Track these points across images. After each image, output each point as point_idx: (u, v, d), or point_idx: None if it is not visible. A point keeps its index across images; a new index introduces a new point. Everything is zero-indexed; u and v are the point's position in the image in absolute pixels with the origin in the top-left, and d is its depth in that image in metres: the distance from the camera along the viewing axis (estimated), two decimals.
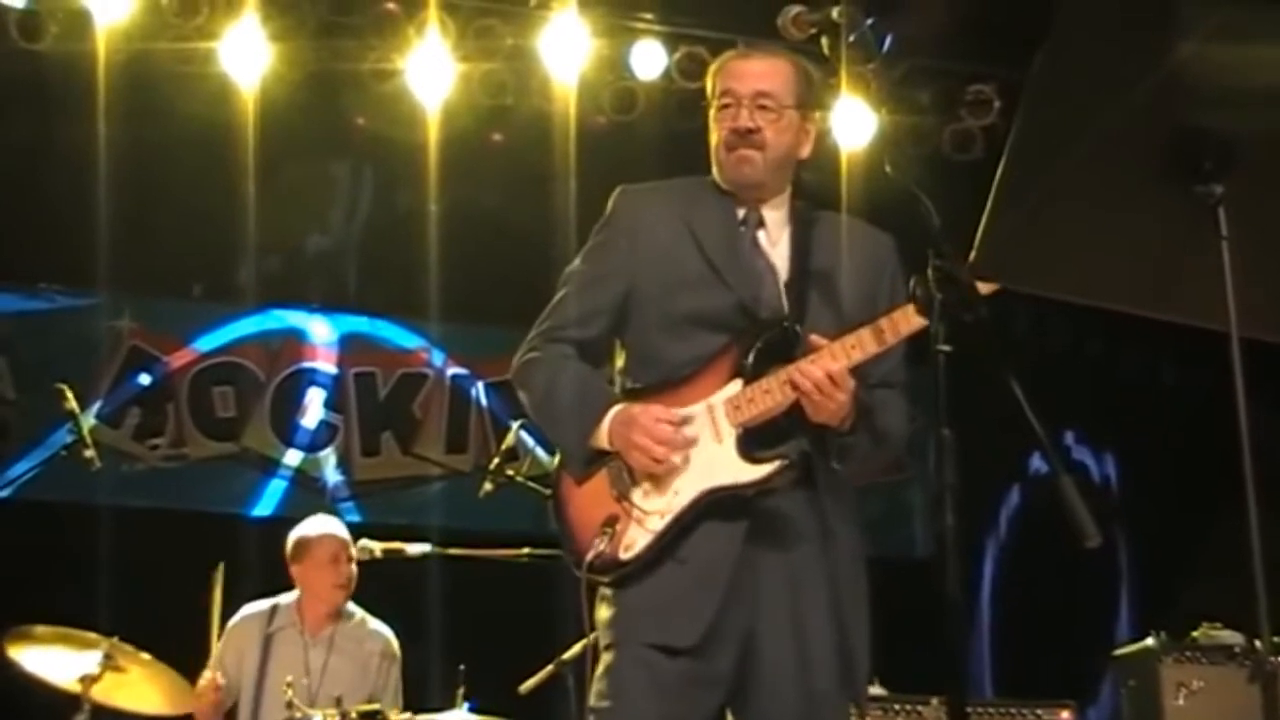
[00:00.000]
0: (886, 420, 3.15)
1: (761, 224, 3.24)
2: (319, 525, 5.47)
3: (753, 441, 3.08)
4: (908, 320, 2.95)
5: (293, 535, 5.45)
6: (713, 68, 3.31)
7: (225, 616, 5.29)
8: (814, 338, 3.03)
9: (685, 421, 3.08)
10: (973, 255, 2.49)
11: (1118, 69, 2.32)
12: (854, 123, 6.43)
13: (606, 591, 3.13)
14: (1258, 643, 4.76)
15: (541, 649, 4.86)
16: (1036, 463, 7.57)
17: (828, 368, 2.98)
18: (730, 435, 3.09)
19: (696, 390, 3.14)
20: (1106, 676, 5.97)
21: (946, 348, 2.56)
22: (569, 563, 3.16)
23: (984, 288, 2.81)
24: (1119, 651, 5.49)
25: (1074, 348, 7.31)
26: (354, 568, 5.33)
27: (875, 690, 5.13)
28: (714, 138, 3.24)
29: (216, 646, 5.27)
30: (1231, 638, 4.99)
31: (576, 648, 4.73)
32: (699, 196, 3.28)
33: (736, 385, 3.10)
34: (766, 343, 3.11)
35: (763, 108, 3.18)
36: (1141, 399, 7.22)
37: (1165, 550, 6.92)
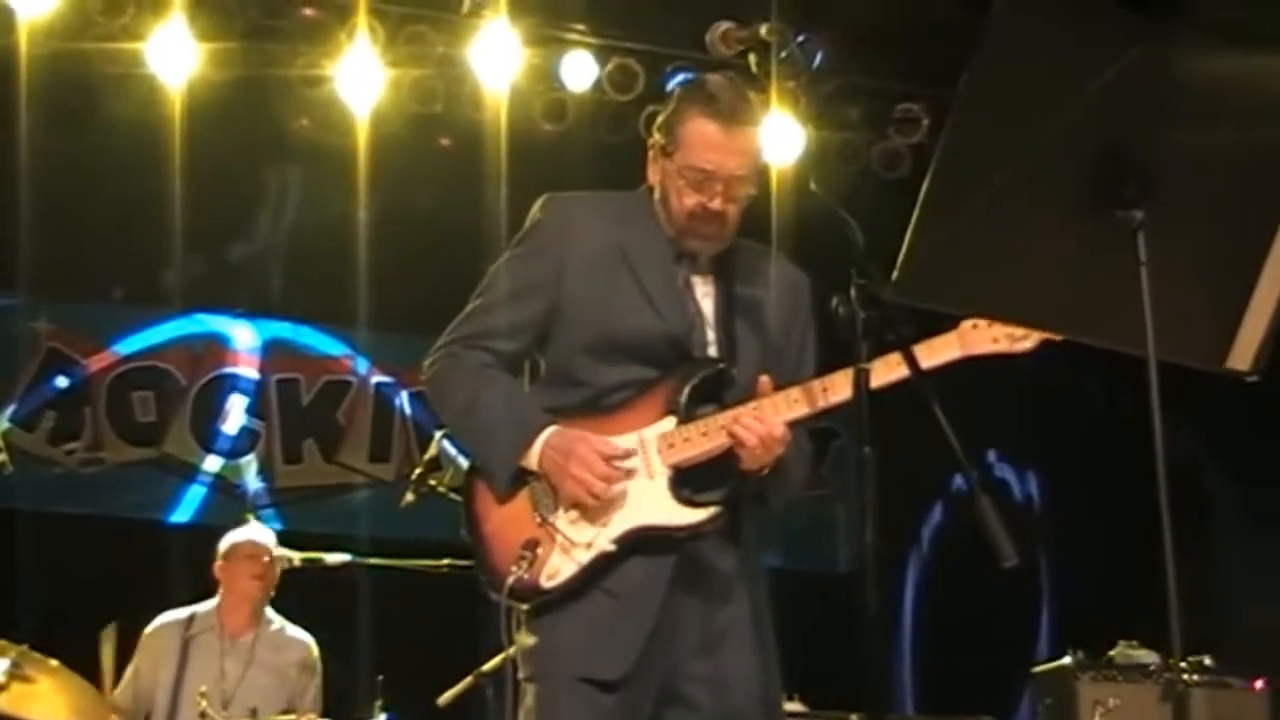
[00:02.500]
0: (794, 465, 3.12)
1: (695, 264, 3.17)
2: (245, 530, 5.50)
3: (684, 483, 3.04)
4: (839, 388, 2.93)
5: (225, 539, 5.47)
6: (683, 111, 3.11)
7: (117, 676, 5.16)
8: (763, 381, 2.99)
9: (624, 455, 3.02)
10: (895, 274, 2.50)
11: (1045, 91, 2.34)
12: (782, 139, 6.48)
13: (525, 617, 3.06)
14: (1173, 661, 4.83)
15: (461, 661, 4.83)
16: (959, 480, 7.59)
17: (771, 425, 2.95)
18: (662, 474, 3.03)
19: (625, 421, 3.06)
20: (1025, 693, 6.01)
21: (869, 366, 2.58)
22: (482, 583, 3.08)
23: (1023, 344, 2.86)
24: (1037, 669, 5.54)
25: (997, 365, 7.36)
26: (275, 568, 5.30)
27: (794, 706, 5.14)
28: (675, 191, 3.10)
29: (129, 667, 5.23)
30: (1147, 656, 5.05)
31: (496, 660, 4.70)
32: (633, 218, 3.18)
33: (670, 423, 3.05)
34: (702, 381, 3.07)
35: (738, 179, 3.08)
36: (1065, 417, 7.28)
37: (1086, 568, 6.99)
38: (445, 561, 4.83)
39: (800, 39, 2.83)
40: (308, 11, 6.39)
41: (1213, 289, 2.47)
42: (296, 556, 5.04)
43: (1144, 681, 4.99)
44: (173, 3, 6.20)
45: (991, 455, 7.58)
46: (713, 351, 3.13)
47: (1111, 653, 5.10)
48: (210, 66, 6.38)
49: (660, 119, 3.19)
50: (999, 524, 2.35)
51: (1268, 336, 2.47)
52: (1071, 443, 7.30)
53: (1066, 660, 5.12)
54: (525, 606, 3.04)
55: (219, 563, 5.42)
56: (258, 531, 5.49)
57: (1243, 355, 2.48)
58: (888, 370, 2.75)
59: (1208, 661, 4.61)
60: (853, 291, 2.53)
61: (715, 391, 3.08)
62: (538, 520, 3.05)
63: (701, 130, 3.07)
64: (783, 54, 2.94)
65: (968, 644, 6.89)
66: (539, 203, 3.22)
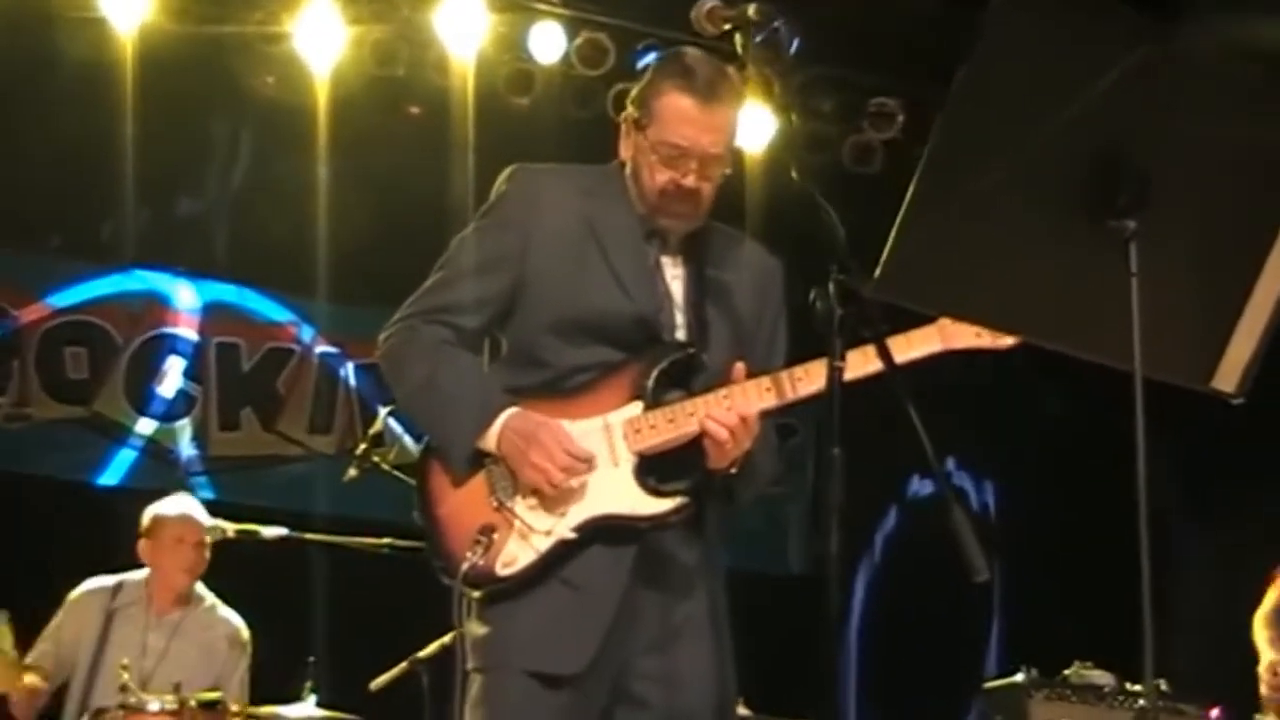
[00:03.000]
0: (762, 459, 3.08)
1: (664, 241, 3.13)
2: (175, 505, 5.35)
3: (650, 471, 3.00)
4: (813, 378, 2.91)
5: (149, 510, 5.33)
6: (658, 84, 3.07)
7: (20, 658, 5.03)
8: (738, 368, 2.95)
9: (588, 458, 2.97)
10: (878, 271, 2.47)
11: (1040, 91, 2.32)
12: (754, 125, 6.46)
13: (477, 605, 3.01)
14: (1128, 684, 4.85)
15: (397, 645, 4.79)
16: (916, 485, 7.64)
17: (743, 413, 2.92)
18: (628, 461, 2.99)
19: (590, 404, 3.03)
20: (973, 708, 6.03)
21: (843, 364, 2.55)
22: (435, 567, 3.03)
23: (1005, 340, 2.84)
24: (989, 684, 5.54)
25: (960, 370, 7.38)
26: (205, 553, 5.22)
27: (741, 711, 5.13)
28: (647, 167, 3.06)
29: (54, 619, 5.15)
30: (1102, 678, 5.05)
31: (433, 646, 4.67)
32: (603, 193, 3.13)
33: (636, 408, 3.01)
34: (670, 365, 3.03)
35: (713, 157, 3.04)
36: (1025, 426, 7.31)
37: (1042, 583, 7.02)
38: (386, 541, 4.80)
39: (777, 24, 2.79)
40: None
41: (1202, 306, 2.47)
42: (231, 528, 4.98)
43: (1098, 704, 4.99)
44: None
45: (950, 463, 7.60)
46: (681, 335, 3.09)
47: (1066, 672, 5.10)
48: (164, 13, 6.28)
49: (634, 92, 3.14)
50: (972, 535, 2.33)
51: (1255, 358, 2.46)
52: (1030, 453, 7.33)
53: (1019, 677, 5.12)
54: (478, 594, 2.98)
55: (143, 540, 5.28)
56: (187, 509, 5.32)
57: (1229, 376, 2.47)
58: (864, 362, 2.70)
59: (1164, 687, 4.63)
60: (831, 286, 2.49)
61: (684, 377, 3.04)
62: (495, 504, 2.99)
63: (677, 104, 3.03)
64: (758, 37, 2.90)
65: (915, 654, 6.91)
66: (505, 174, 3.16)
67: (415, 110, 6.76)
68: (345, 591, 5.64)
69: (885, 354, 2.59)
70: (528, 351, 3.10)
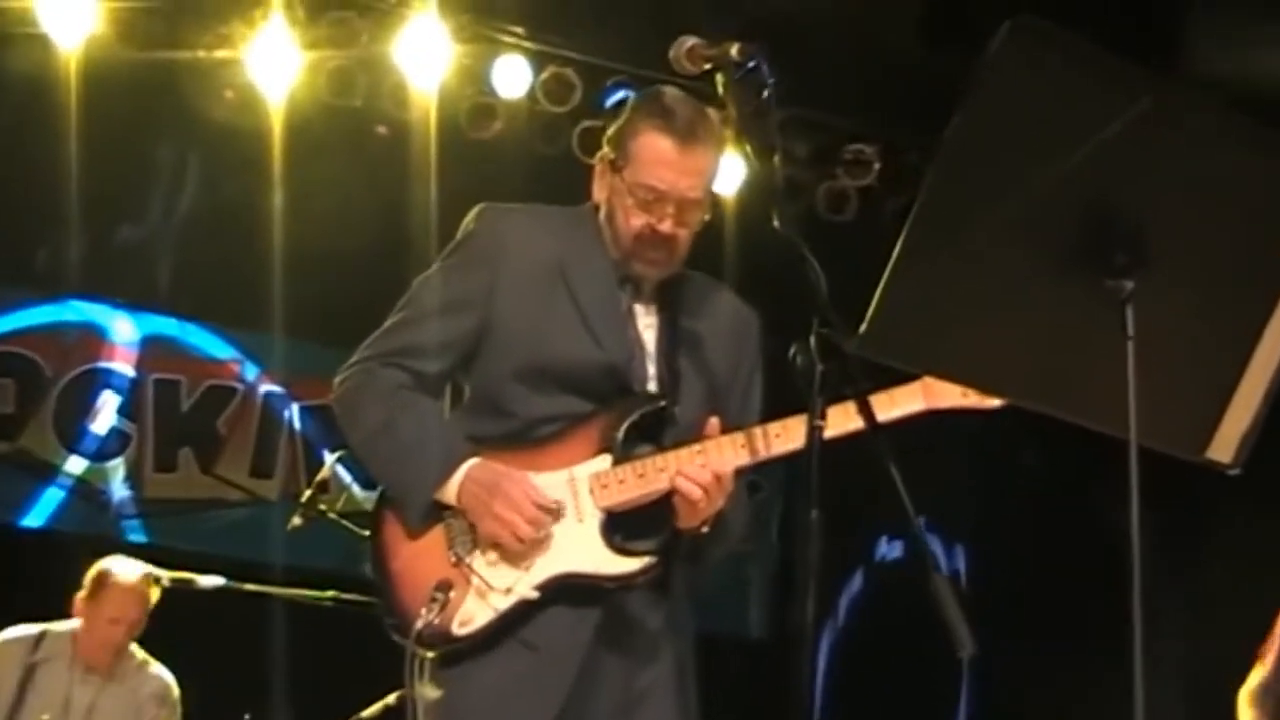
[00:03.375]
0: (734, 517, 3.07)
1: (638, 288, 3.12)
2: (125, 574, 5.22)
3: (616, 528, 2.97)
4: (791, 435, 2.89)
5: (97, 567, 5.24)
6: (635, 124, 3.06)
7: None
8: (712, 423, 2.93)
9: (555, 505, 2.95)
10: (863, 327, 2.46)
11: (1036, 144, 2.31)
12: (730, 169, 6.46)
13: (432, 666, 2.96)
14: None
15: (339, 705, 4.73)
16: (884, 548, 7.64)
17: (717, 470, 2.89)
18: (594, 517, 2.97)
19: (555, 456, 3.00)
20: None
21: (823, 423, 2.53)
22: (387, 625, 2.98)
23: (991, 401, 2.83)
24: None
25: (933, 429, 7.39)
26: (140, 627, 5.14)
27: None
28: (622, 210, 3.04)
29: None
30: None
31: (376, 707, 4.62)
32: (575, 236, 3.12)
33: (604, 461, 2.98)
34: (641, 418, 3.01)
35: (691, 200, 3.02)
36: (998, 489, 7.32)
37: (1011, 650, 7.01)
38: (330, 593, 4.74)
39: (753, 63, 2.78)
40: None
41: (1198, 373, 2.46)
42: (165, 576, 4.91)
43: None
44: None
45: (920, 524, 7.61)
46: (652, 386, 3.07)
47: None
48: (110, 31, 6.22)
49: (610, 131, 3.13)
50: (956, 608, 2.31)
51: (1252, 429, 2.46)
52: (1004, 517, 7.33)
53: None
54: (432, 655, 2.93)
55: (82, 596, 5.20)
56: (135, 583, 5.20)
57: (1225, 447, 2.46)
58: (844, 419, 2.66)
59: None
60: (812, 340, 2.48)
61: (654, 430, 3.02)
62: (452, 560, 2.96)
63: (655, 146, 3.01)
64: (735, 76, 2.89)
65: None
66: (474, 212, 3.14)
67: (382, 130, 6.71)
68: (285, 646, 5.58)
69: (867, 412, 2.58)
70: (491, 399, 3.07)
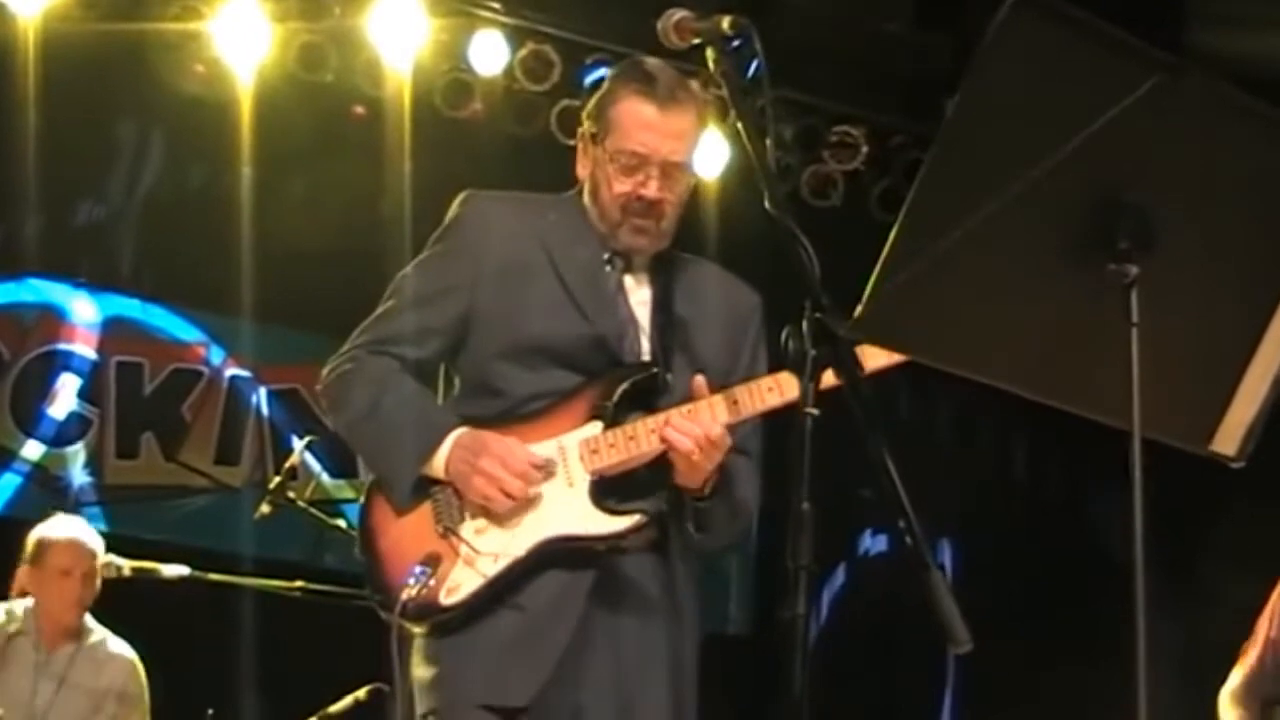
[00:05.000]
0: (743, 491, 3.10)
1: (629, 267, 3.16)
2: (63, 528, 5.22)
3: (607, 492, 3.00)
4: (786, 388, 2.90)
5: (34, 533, 5.21)
6: (615, 93, 3.13)
7: None
8: (698, 381, 2.95)
9: (544, 465, 2.98)
10: (858, 311, 2.44)
11: (1038, 125, 2.29)
12: (709, 151, 6.44)
13: (422, 643, 3.00)
14: None
15: (307, 697, 4.70)
16: (867, 541, 7.64)
17: (707, 426, 2.91)
18: (583, 481, 2.99)
19: (546, 428, 3.04)
20: None
21: (815, 411, 2.51)
22: (375, 603, 3.01)
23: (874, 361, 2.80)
24: None
25: (920, 422, 7.40)
26: (96, 583, 5.09)
27: None
28: (606, 180, 3.09)
29: None
30: None
31: (346, 701, 4.59)
32: (561, 219, 3.18)
33: (595, 428, 3.01)
34: (633, 386, 3.04)
35: (675, 165, 3.07)
36: (986, 484, 7.33)
37: (996, 647, 7.03)
38: (298, 584, 4.72)
39: (741, 39, 2.77)
40: None
41: (1203, 362, 2.45)
42: (126, 565, 4.88)
43: None
44: None
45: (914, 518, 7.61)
46: (645, 353, 3.11)
47: None
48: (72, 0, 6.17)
49: (590, 104, 3.19)
50: (952, 603, 2.29)
51: (1257, 422, 2.45)
52: (991, 515, 7.35)
53: None
54: (420, 629, 2.98)
55: (25, 568, 5.17)
56: (76, 533, 5.20)
57: (1229, 439, 2.45)
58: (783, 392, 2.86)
59: None
60: (805, 326, 2.46)
61: (647, 398, 3.05)
62: (441, 532, 2.98)
63: (636, 110, 3.07)
64: (725, 51, 2.86)
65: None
66: (459, 199, 3.20)
67: (360, 110, 6.66)
68: (250, 638, 5.55)
69: (856, 395, 2.54)
70: (481, 381, 3.12)
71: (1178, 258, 2.35)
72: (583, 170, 3.18)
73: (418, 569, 2.90)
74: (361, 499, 3.13)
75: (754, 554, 7.43)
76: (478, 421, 3.06)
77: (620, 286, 3.14)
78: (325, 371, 3.16)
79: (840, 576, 7.75)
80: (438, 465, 3.00)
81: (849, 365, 2.48)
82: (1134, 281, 2.32)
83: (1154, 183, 2.32)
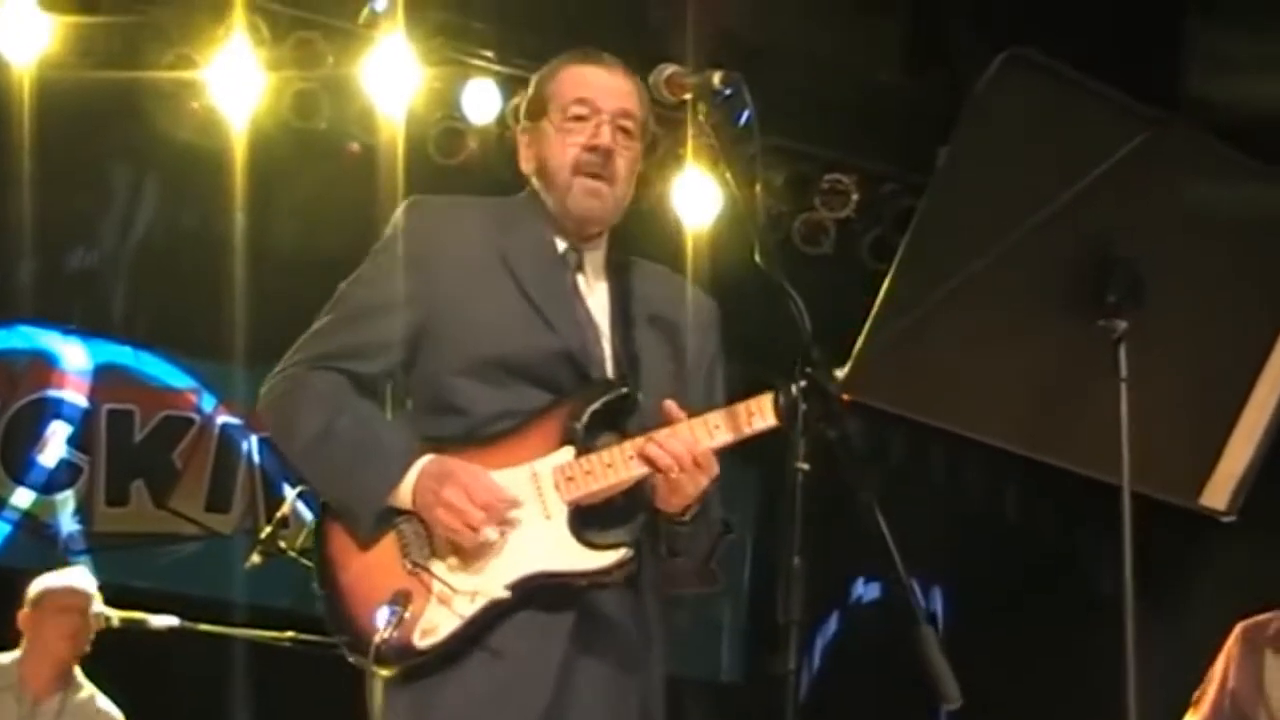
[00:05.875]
0: (716, 512, 2.96)
1: (581, 266, 3.03)
2: (63, 575, 5.31)
3: (585, 522, 2.84)
4: (766, 413, 2.80)
5: (37, 583, 5.26)
6: (551, 71, 3.06)
7: None
8: (669, 405, 2.82)
9: (511, 501, 2.82)
10: (848, 367, 2.45)
11: (1028, 179, 2.31)
12: (698, 199, 6.47)
13: (390, 693, 2.81)
14: None
15: None
16: (860, 589, 7.62)
17: (690, 445, 2.78)
18: (561, 512, 2.83)
19: (514, 452, 2.87)
20: None
21: (806, 466, 2.50)
22: (341, 644, 2.82)
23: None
24: None
25: (912, 467, 7.40)
26: (91, 625, 5.10)
27: None
28: (554, 154, 2.98)
29: None
30: None
31: None
32: (511, 219, 3.04)
33: (567, 453, 2.86)
34: (604, 406, 2.89)
35: (624, 130, 2.98)
36: (978, 528, 7.32)
37: (989, 691, 7.02)
38: (289, 634, 4.69)
39: (728, 91, 2.77)
40: None
41: (1193, 416, 2.46)
42: (115, 616, 4.86)
43: None
44: None
45: (907, 574, 7.60)
46: (609, 367, 2.96)
47: None
48: (64, 47, 6.17)
49: (524, 103, 3.13)
50: (942, 659, 2.28)
51: (1247, 475, 2.46)
52: (984, 561, 7.33)
53: None
54: (394, 670, 2.78)
55: (26, 610, 5.21)
56: (76, 579, 5.27)
57: (1219, 492, 2.47)
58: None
59: None
60: (795, 381, 2.45)
61: (617, 418, 2.91)
62: (408, 567, 2.81)
63: (574, 74, 3.03)
64: (716, 104, 2.87)
65: None
66: (403, 206, 3.06)
67: (355, 148, 6.67)
68: (242, 689, 5.52)
69: (847, 450, 2.52)
70: (440, 399, 2.94)
71: (1167, 311, 2.37)
72: (527, 163, 3.06)
73: (388, 610, 2.72)
74: (311, 526, 2.95)
75: (746, 602, 7.43)
76: (440, 442, 2.89)
77: (576, 289, 3.01)
78: (264, 391, 2.96)
79: (833, 624, 7.73)
80: (404, 495, 2.82)
81: (839, 421, 2.48)
82: (1123, 336, 2.34)
83: (1142, 237, 2.34)
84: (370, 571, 2.83)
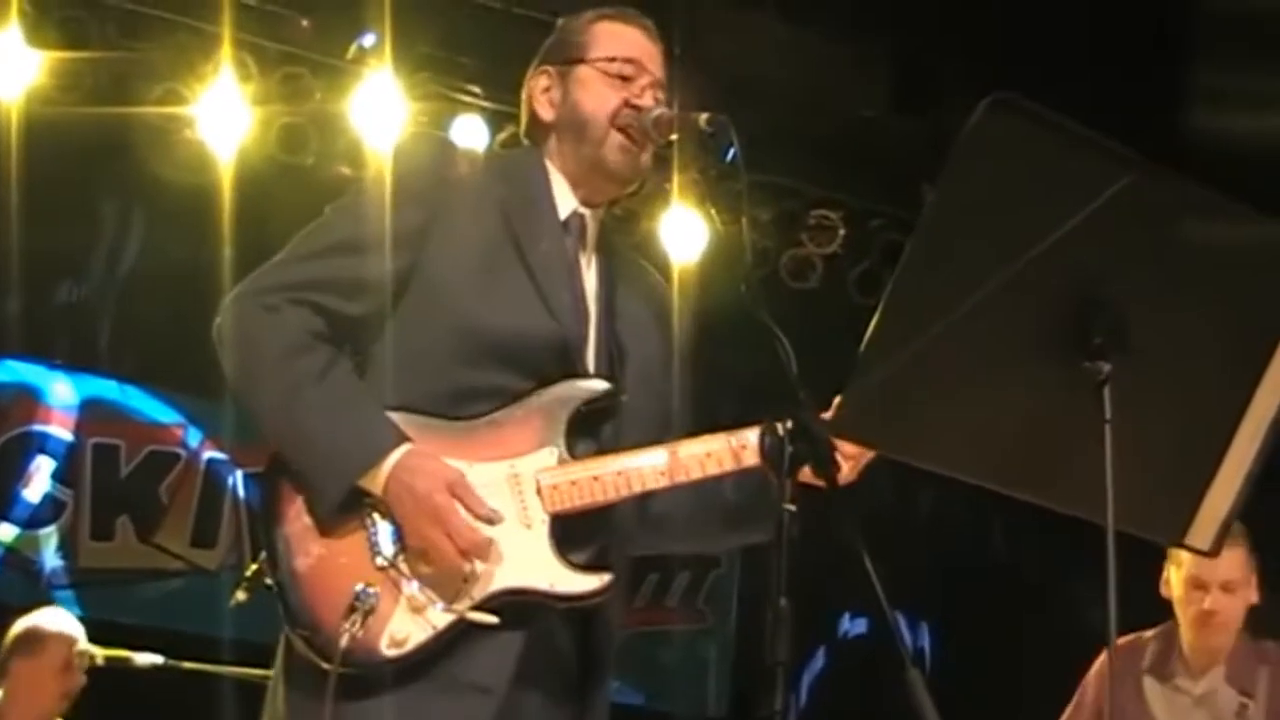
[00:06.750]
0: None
1: (583, 233, 2.88)
2: (57, 621, 5.14)
3: (563, 535, 2.69)
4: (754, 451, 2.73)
5: (21, 624, 5.12)
6: (588, 21, 2.91)
7: None
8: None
9: (493, 519, 2.64)
10: (835, 409, 2.46)
11: (1014, 223, 2.32)
12: (685, 234, 6.49)
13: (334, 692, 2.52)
14: None
15: None
16: (847, 624, 7.62)
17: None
18: (542, 523, 2.67)
19: (493, 445, 2.68)
20: None
21: (793, 507, 2.50)
22: (296, 637, 2.61)
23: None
24: None
25: (899, 504, 7.41)
26: (82, 676, 5.02)
27: None
28: (592, 99, 2.83)
29: None
30: None
31: None
32: (520, 178, 2.86)
33: (549, 456, 2.70)
34: (592, 412, 2.75)
35: (657, 101, 2.86)
36: (964, 565, 7.33)
37: None
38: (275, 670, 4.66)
39: (712, 130, 2.79)
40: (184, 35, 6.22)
41: (1177, 458, 2.47)
42: (99, 654, 4.81)
43: None
44: (10, 6, 6.00)
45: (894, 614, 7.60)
46: (590, 358, 2.82)
47: None
48: (51, 82, 6.19)
49: (546, 52, 2.95)
50: (929, 704, 2.29)
51: (1231, 515, 2.47)
52: (971, 598, 7.34)
53: None
54: (353, 673, 2.55)
55: (18, 659, 5.06)
56: (72, 628, 5.10)
57: (1203, 533, 2.48)
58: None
59: None
60: (782, 423, 2.45)
61: (599, 420, 2.78)
62: (380, 563, 2.61)
63: (618, 31, 2.89)
64: (702, 144, 2.89)
65: None
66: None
67: (347, 171, 6.67)
68: None
69: (834, 492, 2.53)
70: (409, 361, 2.73)
71: (1151, 352, 2.37)
72: (547, 109, 2.89)
73: (355, 606, 2.51)
74: (260, 490, 2.69)
75: (733, 639, 7.42)
76: (407, 410, 2.67)
77: (575, 264, 2.85)
78: (226, 305, 2.70)
79: (820, 659, 7.72)
80: (377, 482, 2.60)
81: (826, 462, 2.49)
82: (1107, 378, 2.35)
83: (1126, 279, 2.35)
84: (334, 559, 2.62)
